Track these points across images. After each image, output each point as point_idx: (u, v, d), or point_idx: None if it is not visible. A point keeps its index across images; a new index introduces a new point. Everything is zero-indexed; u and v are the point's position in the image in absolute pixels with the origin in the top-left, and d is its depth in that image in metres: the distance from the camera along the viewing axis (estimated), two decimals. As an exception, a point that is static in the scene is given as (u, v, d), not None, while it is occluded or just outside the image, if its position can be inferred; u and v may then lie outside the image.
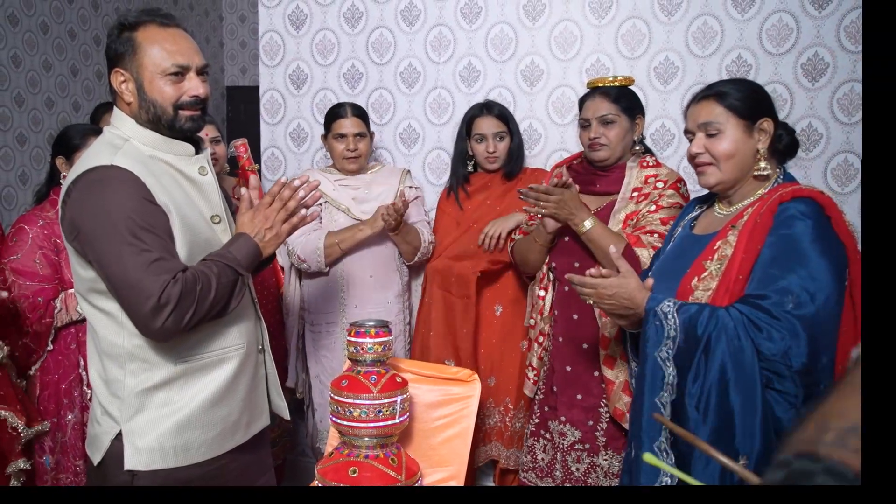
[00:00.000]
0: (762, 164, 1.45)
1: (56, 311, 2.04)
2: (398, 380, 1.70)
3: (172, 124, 1.41)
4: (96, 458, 1.42)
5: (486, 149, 2.35)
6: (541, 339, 2.12)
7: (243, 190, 1.54)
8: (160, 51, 1.38)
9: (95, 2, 4.51)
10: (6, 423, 1.88)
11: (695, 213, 1.63)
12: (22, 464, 1.92)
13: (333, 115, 2.42)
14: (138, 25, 1.39)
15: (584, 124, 1.99)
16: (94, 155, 1.38)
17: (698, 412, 1.33)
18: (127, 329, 1.36)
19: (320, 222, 2.39)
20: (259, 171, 2.75)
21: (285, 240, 1.50)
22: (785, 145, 1.51)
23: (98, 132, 1.86)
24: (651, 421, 1.41)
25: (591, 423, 1.98)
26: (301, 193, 1.48)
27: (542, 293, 2.11)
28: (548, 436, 2.07)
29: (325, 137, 2.49)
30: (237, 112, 6.11)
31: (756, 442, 1.30)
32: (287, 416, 1.69)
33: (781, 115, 2.37)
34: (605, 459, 1.97)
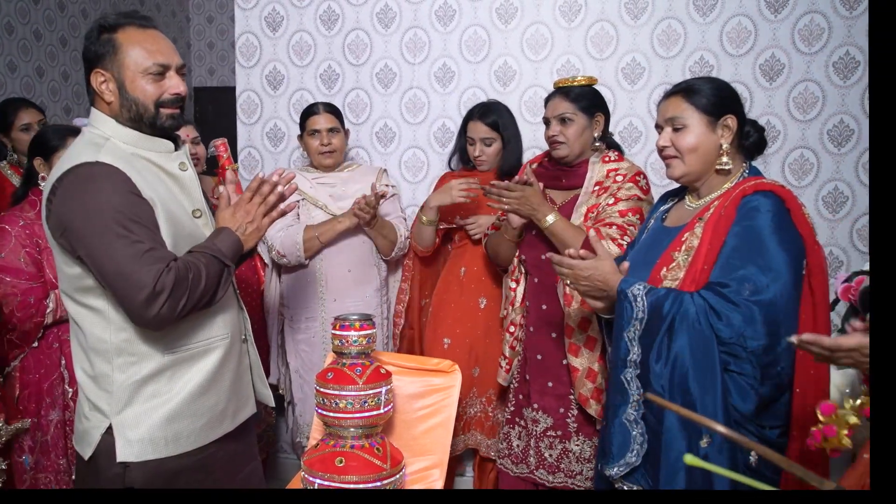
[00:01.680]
0: (724, 160, 1.52)
1: (48, 310, 2.04)
2: (382, 371, 1.75)
3: (154, 122, 1.44)
4: (87, 453, 1.43)
5: (473, 151, 2.43)
6: (512, 328, 2.20)
7: (221, 187, 1.58)
8: (141, 51, 1.41)
9: (61, 2, 4.44)
10: None
11: (667, 206, 1.71)
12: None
13: (308, 113, 2.49)
14: (118, 27, 1.42)
15: (546, 123, 2.09)
16: (77, 153, 1.39)
17: (664, 391, 1.41)
18: (114, 324, 1.39)
19: (298, 219, 2.43)
20: (237, 170, 2.78)
21: (265, 233, 1.55)
22: (752, 142, 1.59)
23: (76, 132, 1.87)
24: (616, 396, 1.50)
25: (562, 409, 2.06)
26: (280, 189, 1.52)
27: (513, 285, 2.19)
28: (522, 423, 2.15)
29: (300, 138, 2.55)
30: (205, 112, 6.06)
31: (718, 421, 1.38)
32: (272, 403, 1.72)
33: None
34: (577, 445, 2.05)
